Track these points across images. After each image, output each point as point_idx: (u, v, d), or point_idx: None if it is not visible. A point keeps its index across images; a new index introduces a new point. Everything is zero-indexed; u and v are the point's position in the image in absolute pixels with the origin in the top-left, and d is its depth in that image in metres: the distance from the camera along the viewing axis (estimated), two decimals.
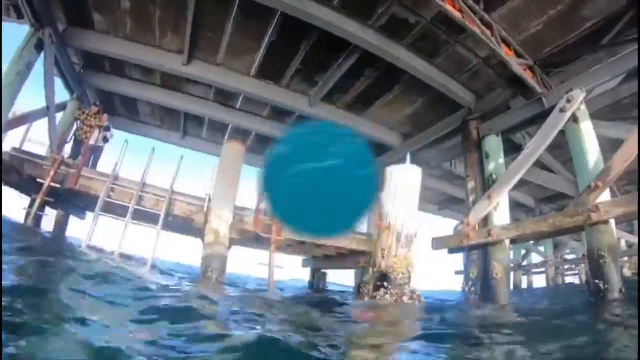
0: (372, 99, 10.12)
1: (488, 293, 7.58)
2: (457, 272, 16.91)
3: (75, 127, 9.44)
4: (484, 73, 8.68)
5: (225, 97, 11.08)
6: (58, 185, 7.35)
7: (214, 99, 11.25)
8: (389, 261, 4.77)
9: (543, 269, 18.18)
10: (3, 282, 2.87)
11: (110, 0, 7.93)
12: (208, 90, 10.80)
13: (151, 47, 9.15)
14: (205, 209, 7.80)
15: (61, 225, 10.76)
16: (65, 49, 9.08)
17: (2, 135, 7.42)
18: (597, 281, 5.97)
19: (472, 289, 8.01)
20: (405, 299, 4.73)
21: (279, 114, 11.47)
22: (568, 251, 19.46)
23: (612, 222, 6.12)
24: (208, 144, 13.99)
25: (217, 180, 7.87)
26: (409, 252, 4.88)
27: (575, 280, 18.70)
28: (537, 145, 7.57)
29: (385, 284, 4.72)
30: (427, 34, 7.65)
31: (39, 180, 7.23)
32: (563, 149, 9.46)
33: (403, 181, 4.97)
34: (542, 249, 18.66)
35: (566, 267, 19.10)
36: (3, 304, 2.43)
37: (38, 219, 7.83)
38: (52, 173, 7.22)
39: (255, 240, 8.55)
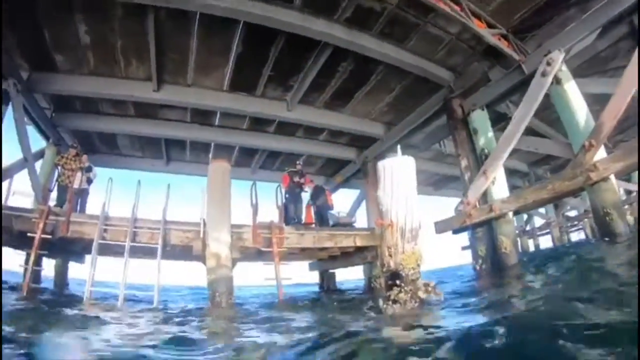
0: (350, 93, 9.96)
1: (499, 267, 7.56)
2: (464, 248, 17.04)
3: (56, 173, 9.21)
4: (458, 49, 8.54)
5: (202, 116, 10.83)
6: (49, 236, 7.13)
7: (191, 120, 11.00)
8: (397, 258, 4.60)
9: (547, 230, 18.26)
10: None
11: (69, 38, 7.63)
12: (184, 112, 10.56)
13: (118, 78, 8.91)
14: (201, 234, 7.62)
15: (61, 272, 10.56)
16: (33, 96, 8.83)
17: None
18: (606, 239, 5.94)
19: (483, 266, 7.97)
20: (420, 293, 4.57)
21: (259, 123, 11.25)
22: (569, 208, 19.58)
23: (612, 177, 6.07)
24: (194, 166, 13.73)
25: (208, 203, 7.68)
26: (415, 245, 4.72)
27: (581, 235, 18.94)
28: (524, 113, 7.48)
29: (398, 282, 4.55)
30: (395, 19, 7.47)
31: (29, 234, 7.00)
32: (549, 109, 9.46)
33: (398, 174, 4.79)
34: (542, 211, 18.74)
35: (569, 224, 19.28)
36: None
37: (36, 274, 7.57)
38: (41, 225, 6.98)
39: (257, 254, 8.41)
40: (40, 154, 10.19)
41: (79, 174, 8.92)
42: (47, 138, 10.27)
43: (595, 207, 6.19)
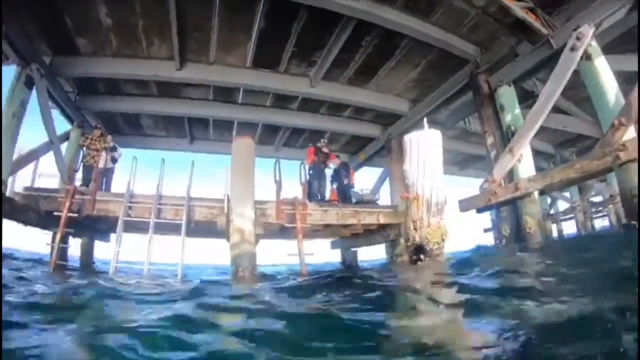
0: (374, 68, 9.77)
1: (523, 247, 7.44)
2: (486, 230, 16.89)
3: (81, 154, 9.47)
4: (484, 23, 8.22)
5: (225, 94, 10.87)
6: (76, 215, 7.42)
7: (214, 98, 11.05)
8: (423, 232, 4.59)
9: (572, 215, 17.80)
10: None
11: (90, 21, 7.72)
12: (207, 90, 10.60)
13: (141, 58, 9.00)
14: (225, 210, 7.74)
15: (87, 251, 10.98)
16: (57, 80, 9.03)
17: (10, 176, 7.46)
18: (633, 222, 5.72)
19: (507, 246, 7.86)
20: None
21: (283, 100, 11.21)
22: (593, 193, 19.02)
23: None
24: (217, 144, 13.88)
25: (232, 179, 7.78)
26: (441, 220, 4.69)
27: (605, 222, 18.41)
28: (552, 89, 7.21)
29: (422, 256, 4.56)
30: None
31: (56, 213, 7.27)
32: (575, 89, 9.11)
33: (425, 147, 4.74)
34: (567, 195, 18.25)
35: (593, 210, 18.74)
36: None
37: (63, 252, 7.89)
38: (67, 204, 7.28)
39: (280, 231, 8.51)
40: (66, 137, 10.47)
41: (103, 154, 9.17)
42: (71, 121, 10.55)
43: (623, 189, 5.97)
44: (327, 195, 10.21)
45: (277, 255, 10.53)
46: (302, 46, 8.72)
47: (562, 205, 19.26)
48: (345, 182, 10.43)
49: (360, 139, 13.87)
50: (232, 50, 8.86)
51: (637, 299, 2.18)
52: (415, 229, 4.73)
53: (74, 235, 8.58)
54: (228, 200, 7.73)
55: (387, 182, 12.76)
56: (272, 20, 7.81)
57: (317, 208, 8.87)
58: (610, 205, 17.60)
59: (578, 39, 6.80)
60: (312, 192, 9.44)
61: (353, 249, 12.78)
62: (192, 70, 9.20)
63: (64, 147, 10.07)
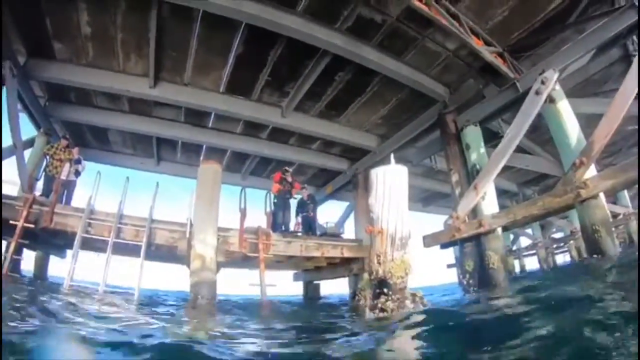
0: (345, 103, 10.01)
1: (486, 283, 7.51)
2: (450, 266, 17.09)
3: (44, 162, 9.04)
4: (454, 65, 8.67)
5: (196, 117, 10.78)
6: (32, 226, 6.92)
7: (184, 120, 10.94)
8: (386, 267, 4.55)
9: (534, 251, 18.39)
10: None
11: (70, 27, 7.54)
12: (178, 111, 10.49)
13: (115, 72, 8.82)
14: (187, 234, 7.48)
15: (41, 266, 10.33)
16: (28, 82, 8.68)
17: None
18: (595, 256, 5.96)
19: (470, 281, 7.94)
20: (407, 302, 4.51)
21: (253, 128, 11.24)
22: (554, 230, 19.79)
23: (602, 195, 6.16)
24: (184, 167, 13.65)
25: (196, 204, 7.56)
26: (405, 254, 4.68)
27: (566, 257, 19.09)
28: (516, 130, 7.57)
29: (385, 290, 4.50)
30: (394, 31, 7.57)
31: (11, 222, 6.77)
32: (539, 130, 9.61)
33: (391, 182, 4.78)
34: (529, 231, 18.90)
35: (554, 246, 19.44)
36: None
37: (16, 264, 7.37)
38: (24, 213, 6.79)
39: (242, 260, 8.27)
40: (30, 143, 9.95)
41: (67, 166, 8.77)
42: (38, 127, 10.06)
43: (585, 225, 6.23)
44: (291, 226, 10.09)
45: (238, 284, 10.27)
46: (276, 76, 8.85)
47: (524, 241, 19.90)
48: (311, 214, 10.36)
49: (327, 172, 14.01)
50: (207, 73, 8.86)
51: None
52: (379, 262, 4.68)
53: (29, 248, 8.12)
54: (191, 225, 7.49)
55: (352, 216, 12.81)
56: (250, 46, 7.91)
57: (281, 239, 8.70)
58: (571, 241, 18.38)
59: (543, 83, 7.23)
60: (277, 222, 9.30)
61: (316, 282, 12.58)
62: (165, 89, 9.10)
63: (26, 153, 9.51)
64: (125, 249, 7.54)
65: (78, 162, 9.07)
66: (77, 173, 9.12)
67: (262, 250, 7.84)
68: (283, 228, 9.39)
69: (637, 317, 1.92)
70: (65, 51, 8.29)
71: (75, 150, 9.07)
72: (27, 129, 9.83)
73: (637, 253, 5.16)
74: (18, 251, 7.09)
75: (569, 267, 17.30)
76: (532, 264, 19.54)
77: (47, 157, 8.83)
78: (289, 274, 13.27)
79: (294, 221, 10.16)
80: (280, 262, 9.49)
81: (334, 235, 10.53)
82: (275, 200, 9.55)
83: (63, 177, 8.47)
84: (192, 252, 7.08)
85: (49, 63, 8.50)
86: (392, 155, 5.21)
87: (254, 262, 7.94)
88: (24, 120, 9.34)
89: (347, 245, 9.77)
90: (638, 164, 5.54)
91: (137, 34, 7.64)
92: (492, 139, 9.78)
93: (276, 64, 8.37)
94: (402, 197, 4.89)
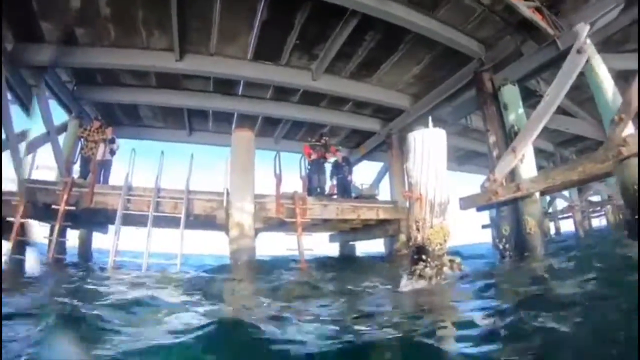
0: (376, 63, 9.64)
1: (522, 247, 7.41)
2: (484, 226, 16.85)
3: (79, 145, 9.35)
4: (490, 21, 8.12)
5: (225, 86, 10.73)
6: (73, 208, 7.32)
7: (213, 90, 10.91)
8: (425, 233, 4.53)
9: (569, 214, 17.81)
10: None
11: (89, 11, 7.52)
12: (206, 82, 10.45)
13: (140, 49, 8.78)
14: (224, 203, 7.66)
15: (85, 242, 10.94)
16: (55, 70, 8.89)
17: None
18: (636, 217, 5.63)
19: (507, 245, 7.82)
20: (445, 269, 4.51)
21: (283, 93, 11.08)
22: (592, 192, 19.08)
23: None
24: (216, 136, 13.77)
25: (231, 172, 7.72)
26: (444, 220, 4.63)
27: (603, 222, 18.54)
28: (557, 90, 7.14)
29: (424, 257, 4.50)
30: None
31: (54, 206, 7.16)
32: (579, 89, 9.04)
33: (429, 146, 4.66)
34: (566, 194, 18.26)
35: (591, 210, 18.82)
36: None
37: (61, 245, 7.79)
38: (65, 197, 7.17)
39: (279, 225, 8.46)
40: (64, 128, 10.32)
41: (102, 146, 9.05)
42: (69, 112, 10.40)
43: (625, 184, 5.91)
44: (327, 189, 10.15)
45: (275, 246, 10.54)
46: (304, 39, 8.58)
47: (560, 203, 19.33)
48: (347, 176, 10.36)
49: (360, 133, 13.80)
50: (233, 41, 8.69)
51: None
52: (417, 229, 4.65)
53: (72, 228, 8.48)
54: (227, 194, 7.65)
55: (386, 177, 12.70)
56: (275, 11, 7.65)
57: (317, 202, 8.82)
58: (608, 206, 17.75)
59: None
60: (312, 186, 9.41)
61: (351, 243, 12.73)
62: (192, 61, 9.02)
63: (61, 138, 9.92)
64: (165, 221, 7.85)
65: (112, 141, 9.38)
66: (112, 152, 9.45)
67: (299, 214, 7.99)
68: (319, 191, 9.48)
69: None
70: (87, 35, 8.29)
71: (109, 130, 9.37)
72: (60, 116, 10.20)
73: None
74: (62, 233, 7.47)
75: (605, 230, 16.89)
76: (567, 226, 19.07)
77: (82, 139, 9.14)
78: (325, 235, 13.54)
79: (329, 184, 10.24)
80: (316, 225, 9.66)
81: (369, 196, 10.61)
82: (310, 166, 9.60)
83: (99, 157, 8.77)
84: (230, 220, 7.31)
85: (73, 49, 8.52)
86: (430, 118, 5.04)
87: (291, 226, 8.12)
88: (54, 106, 9.66)
89: (383, 207, 9.85)
90: None
91: (158, 9, 7.47)
92: (529, 97, 9.33)
93: (303, 26, 8.09)
94: (440, 162, 4.78)
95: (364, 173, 16.13)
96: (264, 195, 8.14)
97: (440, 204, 4.65)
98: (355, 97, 10.86)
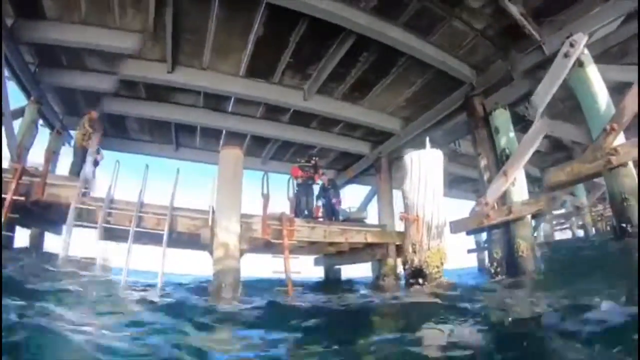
0: (369, 85, 9.70)
1: (514, 270, 7.29)
2: (470, 251, 16.85)
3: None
4: (481, 46, 8.31)
5: (215, 102, 10.59)
6: (22, 198, 6.47)
7: (203, 105, 10.77)
8: (422, 256, 4.38)
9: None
10: None
11: None
12: (197, 96, 10.31)
13: (111, 29, 8.01)
14: (210, 222, 7.38)
15: (37, 242, 9.72)
16: (17, 47, 8.04)
17: None
18: (622, 224, 5.89)
19: (498, 268, 7.73)
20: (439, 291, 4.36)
21: (274, 111, 11.01)
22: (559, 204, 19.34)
23: (631, 164, 5.98)
24: (203, 153, 13.55)
25: (218, 191, 7.44)
26: (440, 243, 4.50)
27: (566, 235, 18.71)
28: (543, 94, 7.36)
29: (420, 280, 4.33)
30: (421, 10, 7.21)
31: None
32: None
33: (427, 167, 4.57)
34: None
35: (554, 222, 18.93)
36: None
37: (9, 240, 7.15)
38: (13, 185, 6.33)
39: (265, 246, 8.17)
40: (20, 112, 9.16)
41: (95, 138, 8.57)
42: (28, 95, 9.27)
43: (613, 193, 6.15)
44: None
45: (259, 267, 10.15)
46: (298, 57, 8.57)
47: None
48: (333, 200, 10.20)
49: (349, 155, 13.74)
50: (227, 56, 8.63)
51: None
52: (414, 251, 4.51)
53: (22, 225, 7.81)
54: (213, 212, 7.39)
55: (374, 200, 12.61)
56: (271, 28, 7.64)
57: (305, 224, 8.60)
58: (573, 218, 18.03)
59: (571, 45, 6.93)
60: (300, 207, 9.22)
61: (337, 267, 12.47)
62: (183, 74, 8.91)
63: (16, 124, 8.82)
64: (147, 238, 7.42)
65: (98, 151, 8.99)
66: (96, 163, 9.03)
67: (286, 236, 7.71)
68: (306, 213, 9.29)
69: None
70: (55, 8, 7.53)
71: (96, 138, 8.91)
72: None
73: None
74: (11, 227, 6.80)
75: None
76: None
77: (83, 124, 8.61)
78: (310, 258, 13.23)
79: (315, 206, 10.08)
80: (302, 247, 9.42)
81: (357, 220, 10.42)
82: (299, 187, 9.44)
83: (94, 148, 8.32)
84: (215, 240, 6.99)
85: (39, 23, 7.75)
86: (427, 139, 4.98)
87: (277, 247, 7.84)
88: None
89: (371, 231, 9.65)
90: None
91: (154, 20, 7.37)
92: (519, 122, 9.43)
93: (298, 45, 8.09)
94: (437, 183, 4.71)
95: (352, 197, 15.99)
96: (251, 215, 7.86)
97: (437, 226, 4.56)
98: (347, 118, 10.86)
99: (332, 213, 10.12)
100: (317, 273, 13.31)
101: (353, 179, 14.53)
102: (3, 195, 6.20)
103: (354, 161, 14.03)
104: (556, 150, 13.48)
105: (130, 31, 8.12)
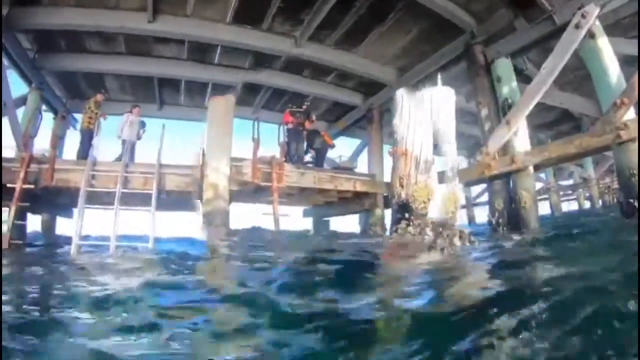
0: (363, 32, 9.13)
1: (517, 223, 7.25)
2: (462, 206, 16.96)
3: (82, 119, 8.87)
4: None
5: (200, 53, 9.99)
6: (32, 186, 6.67)
7: (188, 57, 10.15)
8: (409, 190, 4.29)
9: (546, 196, 18.05)
10: None
11: None
12: (180, 48, 9.66)
13: (109, 9, 8.02)
14: (200, 162, 7.29)
15: (49, 227, 10.21)
16: (14, 35, 8.04)
17: None
18: (630, 200, 5.85)
19: (500, 220, 7.62)
20: (455, 240, 4.18)
21: (263, 61, 10.41)
22: (567, 175, 19.55)
23: None
24: (188, 110, 13.09)
25: (209, 132, 7.35)
26: (428, 178, 4.39)
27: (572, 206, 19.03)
28: (553, 65, 7.00)
29: (407, 215, 4.23)
30: None
31: (9, 185, 6.44)
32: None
33: (416, 104, 4.44)
34: (543, 175, 18.51)
35: (562, 193, 19.21)
36: None
37: (20, 230, 7.09)
38: (21, 174, 6.51)
39: (255, 192, 8.15)
40: (22, 100, 9.41)
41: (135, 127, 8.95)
42: (29, 82, 9.48)
43: (621, 168, 6.12)
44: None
45: (249, 217, 10.41)
46: (290, 2, 7.96)
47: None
48: (317, 146, 9.99)
49: (341, 107, 13.26)
50: (212, 2, 8.00)
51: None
52: (401, 185, 4.42)
53: (33, 211, 7.90)
54: (203, 154, 7.29)
55: (365, 153, 12.59)
56: None
57: (295, 170, 8.57)
58: (580, 190, 18.23)
59: (583, 16, 6.62)
60: (290, 153, 9.13)
61: (325, 219, 12.53)
62: (166, 22, 8.31)
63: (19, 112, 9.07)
64: (135, 199, 7.20)
65: (143, 124, 9.16)
66: (139, 137, 9.12)
67: (276, 179, 7.76)
68: (296, 158, 9.17)
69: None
70: None
71: (136, 110, 9.10)
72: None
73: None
74: (21, 216, 6.88)
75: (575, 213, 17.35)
76: (542, 209, 19.39)
77: (89, 108, 8.68)
78: (299, 210, 13.27)
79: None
80: (292, 195, 9.42)
81: (347, 168, 10.42)
82: (289, 133, 9.36)
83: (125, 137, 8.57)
84: (205, 180, 7.00)
85: (34, 9, 7.77)
86: (439, 76, 4.78)
87: (267, 194, 7.88)
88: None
89: (360, 179, 9.82)
90: None
91: None
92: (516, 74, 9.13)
93: None
94: (449, 121, 4.51)
95: (341, 150, 15.87)
96: (241, 159, 7.78)
97: (425, 161, 4.45)
98: (340, 66, 10.32)
99: (319, 161, 10.00)
100: (306, 225, 13.42)
101: (344, 131, 14.23)
102: (13, 185, 6.44)
103: (345, 112, 13.59)
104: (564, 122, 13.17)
105: (128, 10, 8.08)
